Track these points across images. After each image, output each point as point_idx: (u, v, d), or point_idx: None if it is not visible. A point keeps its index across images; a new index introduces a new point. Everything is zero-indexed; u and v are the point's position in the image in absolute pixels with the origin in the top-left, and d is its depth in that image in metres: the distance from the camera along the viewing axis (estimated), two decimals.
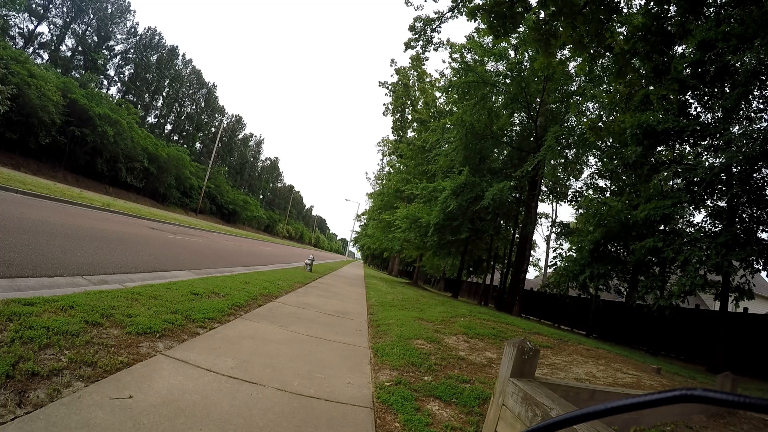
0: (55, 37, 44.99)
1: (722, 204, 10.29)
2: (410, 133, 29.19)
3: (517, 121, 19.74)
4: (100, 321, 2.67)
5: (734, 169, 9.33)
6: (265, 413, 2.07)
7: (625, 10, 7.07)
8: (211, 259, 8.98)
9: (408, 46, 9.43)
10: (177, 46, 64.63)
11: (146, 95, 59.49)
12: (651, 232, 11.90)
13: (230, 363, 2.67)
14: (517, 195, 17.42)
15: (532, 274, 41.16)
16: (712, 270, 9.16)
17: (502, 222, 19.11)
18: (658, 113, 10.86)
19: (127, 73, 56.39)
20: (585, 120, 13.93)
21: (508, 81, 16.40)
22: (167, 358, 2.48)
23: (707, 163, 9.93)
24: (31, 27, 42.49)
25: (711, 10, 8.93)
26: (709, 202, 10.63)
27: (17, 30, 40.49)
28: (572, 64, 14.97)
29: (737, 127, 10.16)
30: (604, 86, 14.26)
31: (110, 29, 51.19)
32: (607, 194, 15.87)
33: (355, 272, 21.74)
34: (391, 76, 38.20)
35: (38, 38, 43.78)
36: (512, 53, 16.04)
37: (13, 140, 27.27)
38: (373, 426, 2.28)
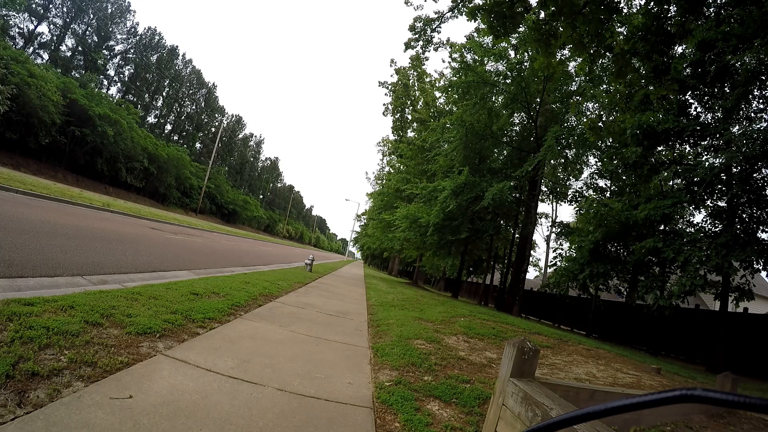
0: (55, 37, 44.97)
1: (722, 204, 10.29)
2: (410, 133, 29.16)
3: (517, 121, 19.73)
4: (100, 321, 2.67)
5: (734, 169, 9.33)
6: (265, 413, 2.07)
7: (625, 10, 7.07)
8: (211, 259, 8.98)
9: (408, 46, 9.43)
10: (177, 46, 64.65)
11: (146, 95, 59.47)
12: (651, 232, 11.90)
13: (230, 363, 2.67)
14: (517, 195, 17.42)
15: (532, 274, 41.19)
16: (712, 270, 9.16)
17: (502, 222, 19.10)
18: (658, 113, 10.85)
19: (127, 73, 56.36)
20: (585, 120, 13.92)
21: (508, 81, 16.39)
22: (167, 358, 2.48)
23: (707, 163, 9.93)
24: (31, 27, 42.47)
25: (711, 10, 8.91)
26: (709, 202, 10.63)
27: (17, 30, 40.45)
28: (572, 64, 14.97)
29: (737, 127, 10.17)
30: (604, 86, 14.25)
31: (110, 29, 51.16)
32: (607, 194, 15.87)
33: (355, 272, 21.74)
34: (391, 76, 38.21)
35: (38, 38, 43.76)
36: (512, 53, 16.03)
37: (13, 140, 27.25)
38: (373, 426, 2.28)
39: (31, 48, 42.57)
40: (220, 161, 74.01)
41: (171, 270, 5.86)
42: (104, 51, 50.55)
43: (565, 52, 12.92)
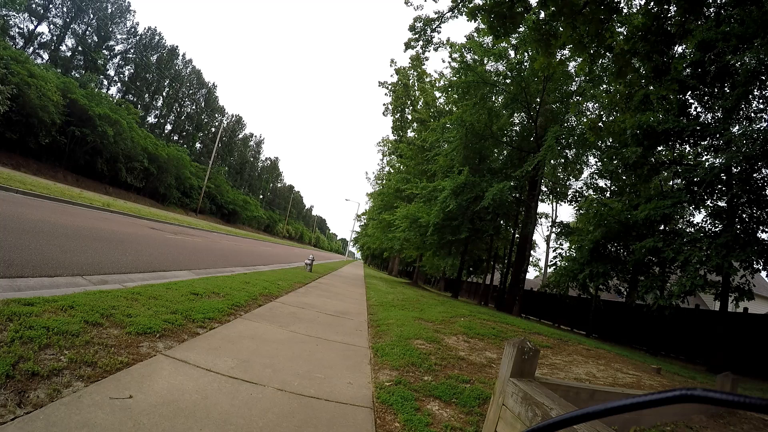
0: (55, 37, 44.99)
1: (722, 204, 10.28)
2: (410, 133, 29.17)
3: (517, 121, 19.73)
4: (100, 321, 2.67)
5: (734, 169, 9.33)
6: (265, 413, 2.07)
7: (625, 10, 7.08)
8: (211, 259, 8.98)
9: (408, 46, 9.43)
10: (177, 46, 64.70)
11: (146, 95, 59.48)
12: (651, 232, 11.89)
13: (230, 363, 2.67)
14: (517, 195, 17.42)
15: (532, 274, 41.21)
16: (712, 270, 9.15)
17: (502, 222, 19.10)
18: (658, 113, 10.85)
19: (127, 73, 56.38)
20: (585, 120, 13.93)
21: (508, 81, 16.39)
22: (167, 358, 2.48)
23: (707, 164, 9.92)
24: (31, 27, 42.50)
25: (711, 10, 8.92)
26: (709, 202, 10.62)
27: (17, 30, 40.48)
28: (572, 64, 14.97)
29: (737, 127, 10.16)
30: (604, 86, 14.24)
31: (110, 29, 51.18)
32: (607, 194, 15.87)
33: (355, 272, 21.74)
34: (391, 76, 38.16)
35: (38, 38, 43.78)
36: (512, 53, 16.02)
37: (13, 140, 27.26)
38: (373, 426, 2.28)
39: (31, 48, 42.59)
40: (220, 161, 74.00)
41: (171, 270, 5.86)
42: (104, 51, 50.56)
43: (565, 52, 12.91)
